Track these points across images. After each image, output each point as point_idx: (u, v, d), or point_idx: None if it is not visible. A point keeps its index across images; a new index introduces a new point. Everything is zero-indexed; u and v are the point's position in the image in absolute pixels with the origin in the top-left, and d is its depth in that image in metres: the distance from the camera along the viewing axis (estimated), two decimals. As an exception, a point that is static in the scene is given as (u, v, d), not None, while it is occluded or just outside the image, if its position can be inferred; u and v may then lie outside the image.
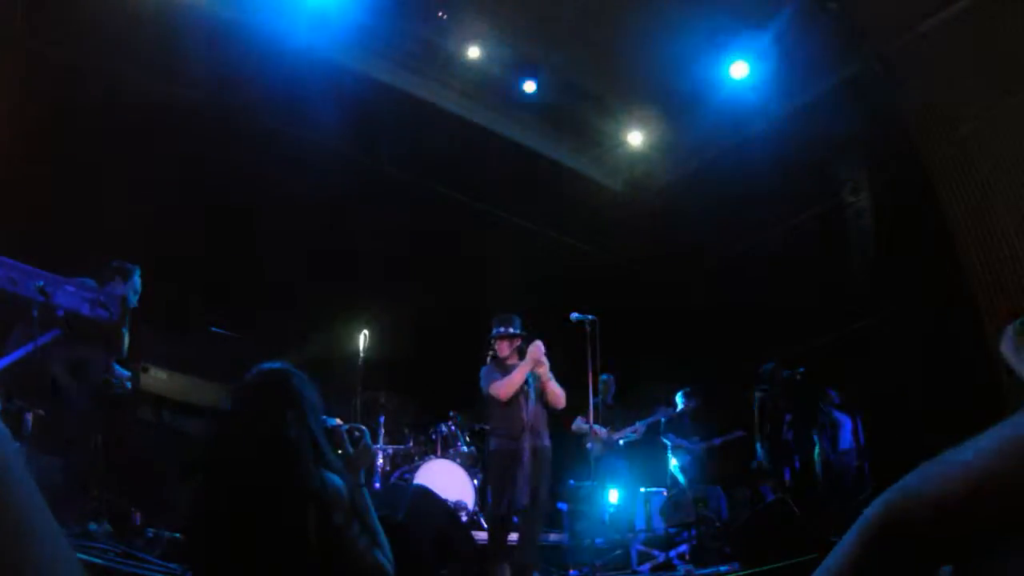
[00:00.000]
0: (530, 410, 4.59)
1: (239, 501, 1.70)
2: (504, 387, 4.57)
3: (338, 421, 2.11)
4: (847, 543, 0.53)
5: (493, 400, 4.62)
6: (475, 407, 6.69)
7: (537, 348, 4.60)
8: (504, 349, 4.77)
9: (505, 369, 4.68)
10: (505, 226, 9.08)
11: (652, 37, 7.79)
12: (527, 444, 4.48)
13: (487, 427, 4.76)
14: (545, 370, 4.60)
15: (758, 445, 6.80)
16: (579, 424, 7.22)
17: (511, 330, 4.79)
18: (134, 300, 4.35)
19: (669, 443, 7.55)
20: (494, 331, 4.84)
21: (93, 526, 3.85)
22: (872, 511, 0.52)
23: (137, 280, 4.44)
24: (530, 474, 4.41)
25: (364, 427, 2.12)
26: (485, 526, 5.35)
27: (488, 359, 4.85)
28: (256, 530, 1.66)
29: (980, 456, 0.47)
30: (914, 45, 7.16)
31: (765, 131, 8.64)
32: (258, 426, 1.81)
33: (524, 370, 4.58)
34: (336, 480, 1.80)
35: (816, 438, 6.79)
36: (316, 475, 1.75)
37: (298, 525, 1.68)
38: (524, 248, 8.87)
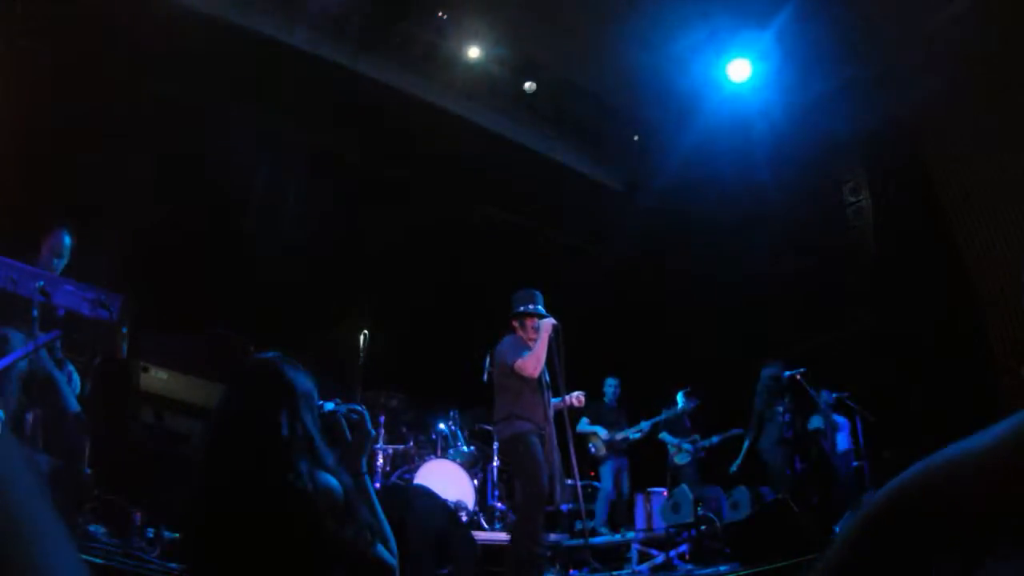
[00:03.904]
0: (547, 396, 4.40)
1: (229, 503, 1.68)
2: (533, 362, 4.26)
3: (336, 402, 2.04)
4: (850, 533, 0.51)
5: (515, 378, 4.32)
6: (476, 404, 6.71)
7: (550, 322, 4.39)
8: (532, 329, 4.46)
9: (529, 347, 4.40)
10: (505, 226, 9.08)
11: (652, 36, 7.79)
12: (550, 431, 4.25)
13: (505, 412, 4.34)
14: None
15: (745, 444, 6.84)
16: (583, 426, 7.24)
17: (539, 308, 4.53)
18: (58, 263, 4.03)
19: (670, 442, 7.57)
20: (520, 308, 4.56)
21: (93, 526, 3.85)
22: (877, 501, 0.51)
23: (55, 241, 4.06)
24: (559, 468, 4.23)
25: (363, 408, 2.05)
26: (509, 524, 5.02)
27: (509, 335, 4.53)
28: (245, 534, 1.64)
29: (995, 447, 0.46)
30: (915, 44, 7.16)
31: (765, 131, 8.64)
32: (248, 426, 1.77)
33: (544, 346, 4.31)
34: (330, 480, 1.76)
35: (815, 439, 6.80)
36: (307, 478, 1.71)
37: (287, 531, 1.65)
38: (524, 248, 8.87)
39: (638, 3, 7.50)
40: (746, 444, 6.87)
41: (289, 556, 1.64)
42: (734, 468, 6.78)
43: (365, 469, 2.05)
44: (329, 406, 1.99)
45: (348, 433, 1.98)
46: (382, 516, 1.94)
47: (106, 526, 3.96)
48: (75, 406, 3.89)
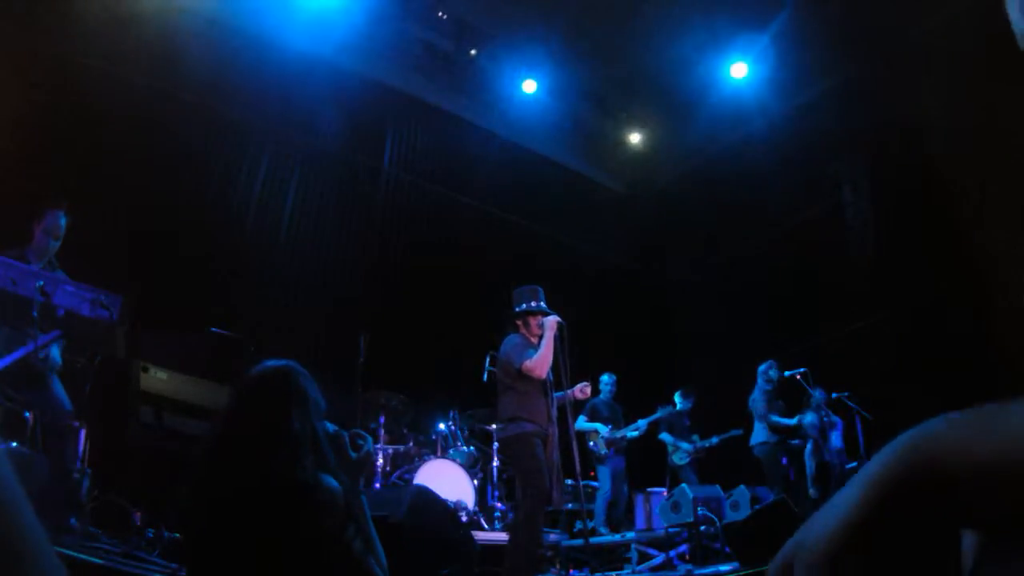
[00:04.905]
0: (551, 397, 4.34)
1: (235, 497, 1.69)
2: (540, 363, 4.18)
3: (337, 429, 2.09)
4: (859, 489, 0.43)
5: (521, 379, 4.23)
6: (476, 404, 6.71)
7: (555, 320, 4.32)
8: (537, 326, 4.36)
9: (534, 345, 4.32)
10: (505, 226, 9.08)
11: (653, 38, 7.80)
12: (552, 432, 4.20)
13: (510, 413, 4.25)
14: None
15: (765, 424, 6.87)
16: (581, 424, 7.23)
17: (542, 305, 4.44)
18: (54, 245, 4.04)
19: (668, 442, 7.57)
20: (524, 306, 4.45)
21: (93, 526, 3.85)
22: (897, 456, 0.42)
23: (51, 221, 4.02)
24: (559, 470, 4.20)
25: (368, 435, 2.11)
26: (509, 524, 4.86)
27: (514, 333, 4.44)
28: (247, 528, 1.65)
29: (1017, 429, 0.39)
30: (914, 45, 7.16)
31: (765, 131, 8.65)
32: (259, 421, 1.80)
33: (551, 345, 4.23)
34: (332, 482, 1.78)
35: (810, 438, 6.83)
36: (312, 474, 1.73)
37: (289, 524, 1.66)
38: (524, 248, 8.87)
39: (638, 4, 7.50)
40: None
41: (291, 551, 1.65)
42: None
43: (362, 488, 2.08)
44: (333, 428, 2.04)
45: (351, 452, 2.03)
46: (375, 534, 1.96)
47: (106, 526, 3.96)
48: (67, 404, 3.87)
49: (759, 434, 6.85)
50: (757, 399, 6.92)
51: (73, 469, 3.82)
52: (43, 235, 4.04)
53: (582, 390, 4.64)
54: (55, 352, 3.90)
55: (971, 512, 0.41)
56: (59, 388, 3.87)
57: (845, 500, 0.43)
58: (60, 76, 5.94)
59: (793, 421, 6.74)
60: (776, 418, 6.81)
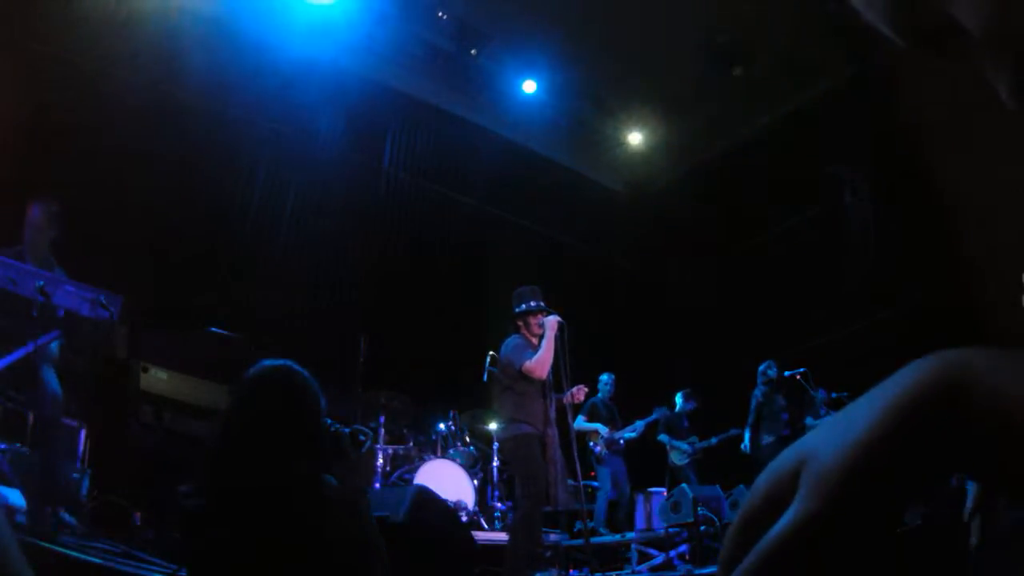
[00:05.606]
0: (550, 398, 4.36)
1: (235, 497, 1.69)
2: (542, 364, 4.20)
3: (338, 425, 2.08)
4: (877, 407, 0.38)
5: (521, 381, 4.27)
6: (476, 405, 6.70)
7: (556, 320, 4.35)
8: (537, 326, 4.39)
9: (534, 346, 4.35)
10: (505, 226, 9.08)
11: (652, 37, 7.79)
12: (552, 433, 4.22)
13: (509, 414, 4.28)
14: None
15: (747, 434, 6.92)
16: (581, 423, 7.23)
17: (542, 304, 4.47)
18: (44, 240, 3.96)
19: (665, 442, 7.57)
20: (524, 306, 4.47)
21: (93, 526, 3.85)
22: (922, 379, 0.38)
23: (35, 215, 3.96)
24: (562, 470, 4.22)
25: (369, 431, 2.11)
26: (510, 523, 4.92)
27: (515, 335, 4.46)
28: (249, 527, 1.65)
29: None
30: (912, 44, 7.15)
31: (764, 131, 8.65)
32: (259, 421, 1.79)
33: (551, 345, 4.26)
34: (334, 481, 1.79)
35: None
36: (313, 474, 1.74)
37: (291, 523, 1.66)
38: (524, 248, 8.87)
39: (637, 3, 7.50)
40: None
41: (293, 550, 1.65)
42: None
43: (366, 486, 2.09)
44: (335, 427, 2.03)
45: (352, 452, 2.02)
46: (378, 534, 1.96)
47: (106, 526, 3.96)
48: (59, 393, 3.85)
49: (767, 433, 6.86)
50: (752, 404, 6.96)
51: (64, 461, 3.81)
52: (30, 231, 4.00)
53: (575, 395, 4.63)
54: (52, 344, 3.88)
55: (992, 463, 0.36)
56: (51, 378, 3.82)
57: (862, 417, 0.39)
58: (60, 76, 5.94)
59: (747, 451, 6.86)
60: (747, 437, 6.92)
